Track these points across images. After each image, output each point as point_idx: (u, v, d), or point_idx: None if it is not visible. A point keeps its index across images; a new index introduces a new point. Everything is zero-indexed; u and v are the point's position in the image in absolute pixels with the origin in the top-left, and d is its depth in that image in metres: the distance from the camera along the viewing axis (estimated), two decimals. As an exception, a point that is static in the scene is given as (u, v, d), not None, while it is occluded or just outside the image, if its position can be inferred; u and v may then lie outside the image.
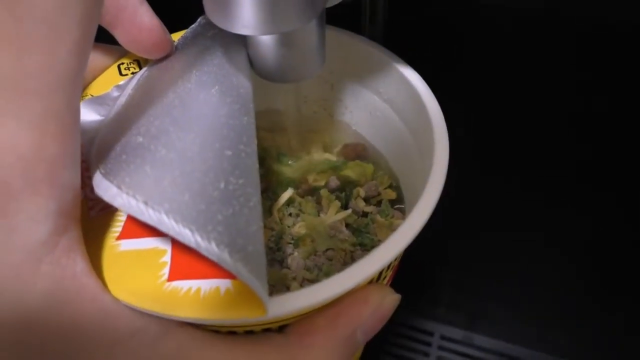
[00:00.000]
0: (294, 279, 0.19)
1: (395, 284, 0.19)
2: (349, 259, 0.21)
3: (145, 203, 0.15)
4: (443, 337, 0.40)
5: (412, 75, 0.22)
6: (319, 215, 0.22)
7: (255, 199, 0.16)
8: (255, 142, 0.17)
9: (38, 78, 0.13)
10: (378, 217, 0.22)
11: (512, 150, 0.36)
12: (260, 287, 0.14)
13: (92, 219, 0.17)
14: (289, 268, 0.20)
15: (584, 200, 0.35)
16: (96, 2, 0.13)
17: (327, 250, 0.21)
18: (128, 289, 0.15)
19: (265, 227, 0.19)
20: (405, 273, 0.23)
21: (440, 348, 0.39)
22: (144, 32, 0.19)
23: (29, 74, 0.12)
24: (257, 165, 0.17)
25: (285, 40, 0.18)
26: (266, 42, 0.19)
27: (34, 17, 0.12)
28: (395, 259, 0.18)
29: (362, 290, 0.17)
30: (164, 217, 0.14)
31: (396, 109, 0.23)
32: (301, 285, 0.18)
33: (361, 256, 0.20)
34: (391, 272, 0.19)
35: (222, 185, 0.15)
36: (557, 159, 0.35)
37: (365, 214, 0.23)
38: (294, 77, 0.20)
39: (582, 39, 0.32)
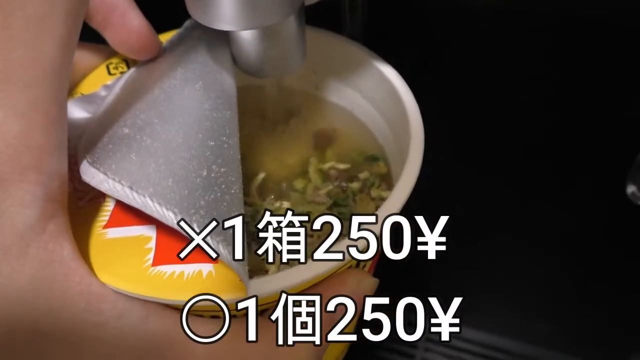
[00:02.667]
0: (272, 263, 0.19)
1: (383, 279, 0.20)
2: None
3: (131, 187, 0.16)
4: (431, 331, 0.40)
5: (390, 72, 0.22)
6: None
7: (237, 187, 0.17)
8: (238, 135, 0.18)
9: (25, 70, 0.13)
10: (355, 186, 0.23)
11: (495, 147, 0.37)
12: (240, 268, 0.15)
13: (80, 209, 0.17)
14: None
15: (567, 196, 0.36)
16: (83, 1, 0.14)
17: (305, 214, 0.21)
18: (114, 273, 0.15)
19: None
20: (393, 268, 0.23)
21: (428, 340, 0.40)
22: (133, 34, 0.20)
23: (16, 66, 0.13)
24: (239, 156, 0.18)
25: (266, 36, 0.19)
26: (247, 37, 0.19)
27: (22, 14, 0.13)
28: None
29: (340, 274, 0.17)
30: (148, 201, 0.15)
31: (376, 106, 0.24)
32: (279, 270, 0.19)
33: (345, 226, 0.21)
34: (371, 262, 0.20)
35: (204, 172, 0.16)
36: (538, 155, 0.36)
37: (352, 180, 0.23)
38: (275, 71, 0.21)
39: (561, 36, 0.32)
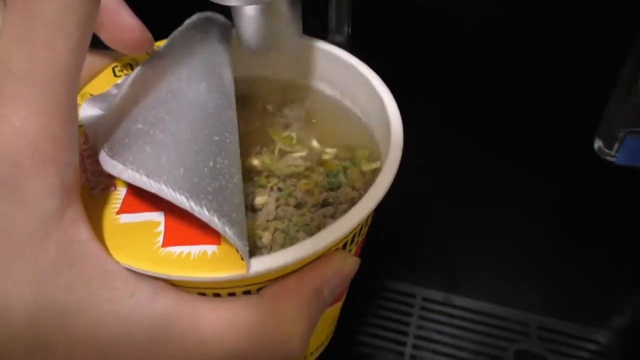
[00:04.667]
0: (266, 229, 0.21)
1: (380, 256, 0.21)
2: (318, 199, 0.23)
3: (147, 176, 0.17)
4: (425, 299, 0.43)
5: (372, 76, 0.25)
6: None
7: (238, 177, 0.19)
8: (237, 131, 0.20)
9: (44, 71, 0.15)
10: (346, 163, 0.24)
11: (483, 123, 0.38)
12: (242, 247, 0.17)
13: (94, 197, 0.19)
14: (259, 210, 0.22)
15: (551, 169, 0.37)
16: (93, 8, 0.16)
17: (290, 180, 0.23)
18: (128, 254, 0.17)
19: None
20: (389, 243, 0.25)
21: (423, 309, 0.42)
22: (126, 32, 0.22)
23: (37, 68, 0.15)
24: (238, 150, 0.19)
25: (265, 11, 0.22)
26: (250, 13, 0.22)
27: (42, 20, 0.14)
28: (358, 233, 0.21)
29: (326, 255, 0.19)
30: (163, 187, 0.17)
31: (360, 108, 0.26)
32: (273, 235, 0.20)
33: (332, 196, 0.23)
34: (356, 247, 0.22)
35: (211, 163, 0.18)
36: (526, 133, 0.37)
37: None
38: (274, 44, 0.23)
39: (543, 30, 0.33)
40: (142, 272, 0.17)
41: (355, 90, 0.26)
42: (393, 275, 0.43)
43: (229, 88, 0.21)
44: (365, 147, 0.25)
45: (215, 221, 0.17)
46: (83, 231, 0.16)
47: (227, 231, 0.17)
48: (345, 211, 0.19)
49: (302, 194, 0.22)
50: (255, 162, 0.24)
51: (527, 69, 0.35)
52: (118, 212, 0.19)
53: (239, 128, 0.20)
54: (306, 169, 0.24)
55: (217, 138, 0.19)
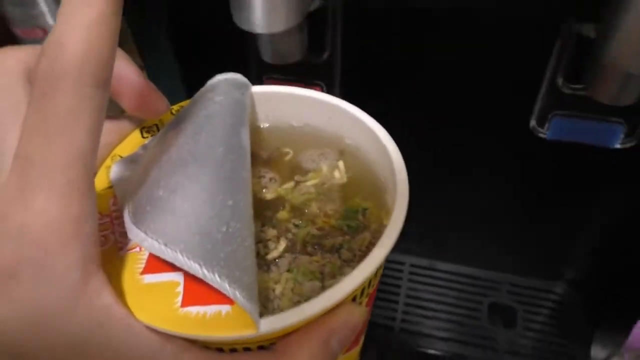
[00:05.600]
0: (278, 282, 0.22)
1: None
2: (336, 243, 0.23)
3: (165, 244, 0.19)
4: (412, 265, 0.47)
5: (368, 119, 0.26)
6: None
7: (250, 240, 0.20)
8: (251, 193, 0.21)
9: (61, 158, 0.16)
10: (365, 204, 0.24)
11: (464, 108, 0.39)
12: (252, 310, 0.18)
13: (120, 258, 0.21)
14: (273, 260, 0.23)
15: (524, 145, 0.39)
16: (103, 97, 0.17)
17: (304, 213, 0.24)
18: (149, 313, 0.19)
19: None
20: None
21: (411, 273, 0.47)
22: (140, 99, 0.23)
23: (54, 156, 0.16)
24: (251, 212, 0.21)
25: (280, 34, 0.26)
26: (268, 36, 0.26)
27: (57, 113, 0.16)
28: (368, 286, 0.22)
29: (335, 308, 0.20)
30: (179, 255, 0.19)
31: (362, 149, 0.27)
32: (285, 285, 0.21)
33: (347, 241, 0.24)
34: (367, 299, 0.23)
35: (224, 228, 0.20)
36: (498, 116, 0.39)
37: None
38: (286, 59, 0.28)
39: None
40: (163, 331, 0.19)
41: (366, 144, 0.26)
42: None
43: (245, 148, 0.22)
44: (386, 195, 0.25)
45: (226, 287, 0.18)
46: (107, 297, 0.18)
47: (238, 295, 0.18)
48: (363, 257, 0.20)
49: (317, 233, 0.23)
50: (270, 195, 0.25)
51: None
52: (142, 272, 0.20)
53: (266, 173, 0.22)
54: (319, 193, 0.25)
55: (230, 202, 0.20)
